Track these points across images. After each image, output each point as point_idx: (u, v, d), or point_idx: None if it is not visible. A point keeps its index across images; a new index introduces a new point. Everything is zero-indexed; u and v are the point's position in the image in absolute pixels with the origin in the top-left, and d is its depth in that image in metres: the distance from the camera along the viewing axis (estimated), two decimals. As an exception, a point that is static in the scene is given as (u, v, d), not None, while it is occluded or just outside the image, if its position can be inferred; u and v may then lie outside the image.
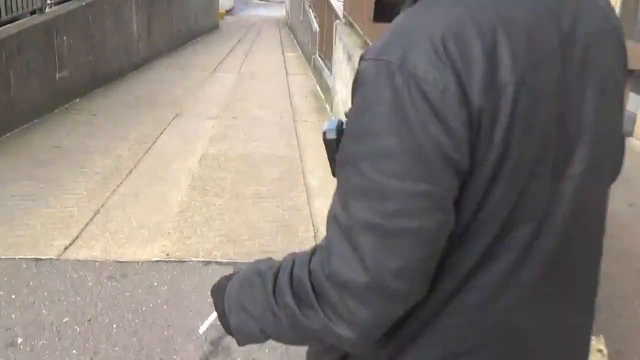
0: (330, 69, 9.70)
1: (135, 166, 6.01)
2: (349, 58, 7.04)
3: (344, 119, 1.11)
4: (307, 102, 9.74)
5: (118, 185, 5.42)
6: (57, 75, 8.26)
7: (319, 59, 11.23)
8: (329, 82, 9.42)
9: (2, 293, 3.53)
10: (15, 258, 3.96)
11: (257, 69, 12.77)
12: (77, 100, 8.76)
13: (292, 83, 11.41)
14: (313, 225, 4.73)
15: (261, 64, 13.50)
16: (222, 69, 12.62)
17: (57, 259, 3.99)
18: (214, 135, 7.34)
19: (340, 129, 1.13)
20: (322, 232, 4.63)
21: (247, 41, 17.42)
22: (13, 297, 3.50)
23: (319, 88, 10.71)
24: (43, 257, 3.99)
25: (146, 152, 6.49)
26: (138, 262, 3.99)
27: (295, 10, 18.34)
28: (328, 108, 9.13)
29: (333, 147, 1.13)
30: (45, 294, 3.55)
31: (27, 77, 7.40)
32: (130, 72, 11.14)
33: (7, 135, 6.84)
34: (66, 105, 8.39)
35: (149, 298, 3.56)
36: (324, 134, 1.16)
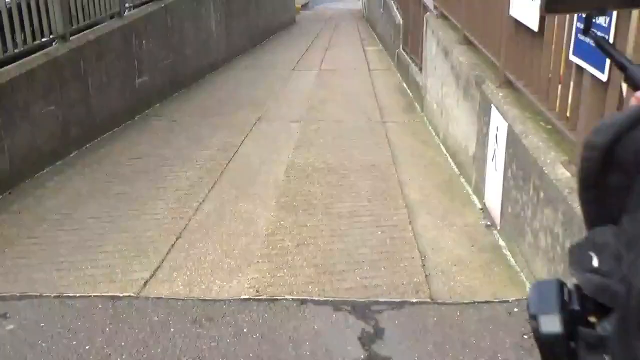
0: (417, 64, 9.06)
1: (217, 179, 5.58)
2: (446, 54, 6.39)
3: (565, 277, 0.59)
4: (394, 100, 9.13)
5: (200, 203, 5.00)
6: (137, 81, 7.99)
7: (404, 53, 10.58)
8: (417, 79, 8.78)
9: (75, 343, 3.13)
10: (91, 296, 3.57)
11: (338, 65, 12.23)
12: (157, 105, 8.48)
13: (376, 79, 10.81)
14: (419, 251, 4.15)
15: (342, 60, 12.94)
16: (302, 66, 12.16)
17: (137, 297, 3.57)
18: (299, 142, 6.85)
19: (567, 309, 0.62)
20: (430, 259, 4.06)
21: (325, 35, 16.89)
22: (87, 347, 3.09)
23: (405, 85, 10.07)
24: (121, 295, 3.58)
25: (228, 163, 6.07)
26: (225, 300, 3.52)
27: (373, 2, 17.67)
28: (418, 107, 8.50)
29: (558, 350, 0.63)
30: (123, 343, 3.12)
31: (106, 85, 7.13)
32: (210, 72, 10.83)
33: (87, 146, 6.58)
34: (146, 112, 8.12)
35: (239, 349, 3.07)
36: (535, 321, 0.65)
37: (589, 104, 3.01)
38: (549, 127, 3.79)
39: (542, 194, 3.42)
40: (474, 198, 5.10)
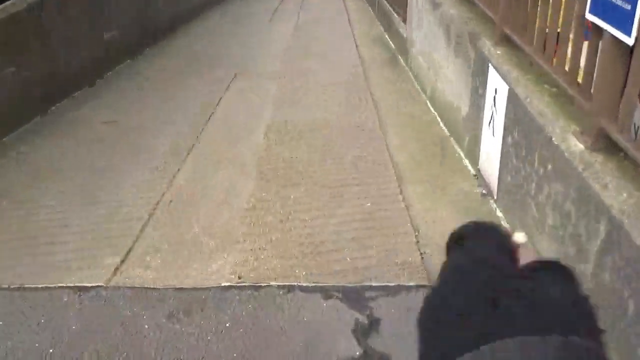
0: (401, 15, 8.63)
1: (194, 145, 5.21)
2: (434, 6, 5.99)
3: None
4: (376, 53, 8.72)
5: (175, 174, 4.65)
6: (105, 36, 7.48)
7: (386, 2, 10.11)
8: (401, 31, 8.36)
9: (37, 345, 2.81)
10: (55, 287, 3.24)
11: (316, 15, 11.74)
12: (128, 61, 8.02)
13: (356, 30, 10.35)
14: (412, 225, 3.85)
15: (320, 10, 12.41)
16: (280, 16, 11.64)
17: (106, 287, 3.24)
18: (278, 100, 6.47)
19: None
20: (424, 235, 3.77)
21: (303, -17, 16.23)
22: (51, 351, 2.77)
23: (387, 36, 9.64)
24: (89, 285, 3.25)
25: (205, 125, 5.69)
26: (204, 289, 3.21)
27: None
28: (402, 60, 8.11)
29: None
30: (91, 344, 2.81)
31: (72, 41, 6.64)
32: (183, 25, 10.31)
33: (53, 108, 6.15)
34: (116, 69, 7.66)
35: (221, 348, 2.78)
36: None
37: (609, 70, 2.69)
38: (554, 89, 3.48)
39: (549, 167, 3.12)
40: (467, 162, 4.80)
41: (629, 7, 2.44)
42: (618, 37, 2.55)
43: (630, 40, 2.45)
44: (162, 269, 3.41)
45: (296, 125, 5.66)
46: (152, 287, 3.23)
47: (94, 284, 3.25)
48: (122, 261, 3.48)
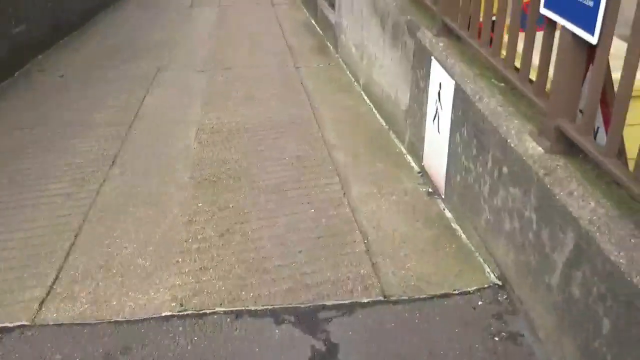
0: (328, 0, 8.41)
1: (119, 150, 4.84)
2: (366, -7, 5.79)
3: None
4: (304, 41, 8.46)
5: (101, 184, 4.29)
6: (14, 30, 6.93)
7: (310, -14, 9.86)
8: (329, 16, 8.14)
9: (-47, 405, 2.47)
10: (-29, 330, 2.88)
11: (239, 0, 11.34)
12: (40, 57, 7.49)
13: (281, 16, 10.08)
14: (360, 231, 3.65)
15: (242, -6, 12.02)
16: (201, 2, 11.19)
17: (31, 326, 2.89)
18: (207, 96, 6.14)
19: None
20: (374, 242, 3.58)
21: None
22: (-30, 412, 2.44)
23: (314, 22, 9.40)
24: (11, 324, 2.90)
25: (129, 128, 5.31)
26: (142, 320, 2.91)
27: None
28: (331, 47, 7.90)
29: None
30: (17, 399, 2.49)
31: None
32: (98, 14, 9.78)
33: (-42, 114, 5.62)
34: (27, 66, 7.13)
35: (166, 392, 2.51)
36: None
37: (567, 68, 2.54)
38: (502, 85, 3.34)
39: (505, 170, 2.98)
40: (409, 158, 4.64)
41: (591, 3, 2.28)
42: (578, 35, 2.40)
43: (593, 39, 2.30)
44: (94, 299, 3.08)
45: (228, 124, 5.37)
46: (83, 322, 2.91)
47: (16, 323, 2.90)
48: (47, 293, 3.12)
